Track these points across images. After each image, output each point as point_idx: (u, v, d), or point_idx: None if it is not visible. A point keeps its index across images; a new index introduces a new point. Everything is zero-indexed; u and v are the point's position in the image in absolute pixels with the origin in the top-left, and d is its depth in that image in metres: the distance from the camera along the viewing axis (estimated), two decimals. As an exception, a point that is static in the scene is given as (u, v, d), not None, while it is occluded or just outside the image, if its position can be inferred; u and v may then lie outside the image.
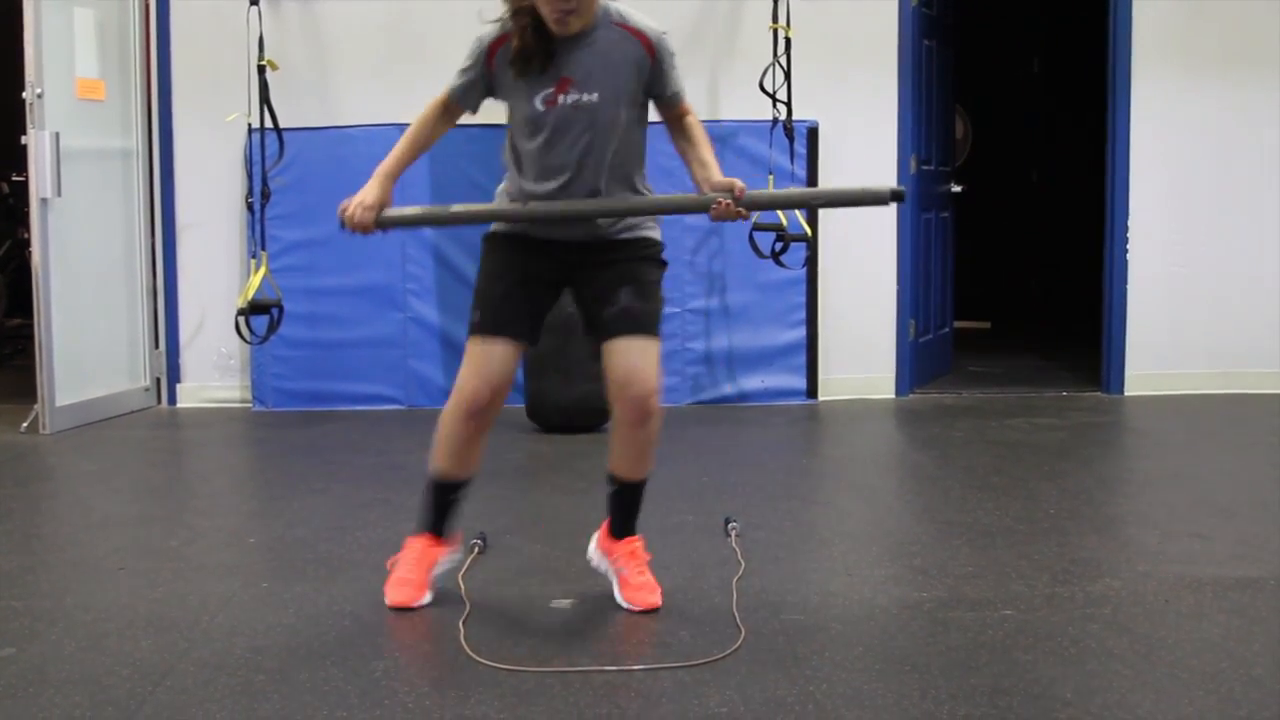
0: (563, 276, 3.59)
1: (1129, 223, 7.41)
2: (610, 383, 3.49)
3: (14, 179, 8.68)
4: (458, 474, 3.66)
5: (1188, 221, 7.44)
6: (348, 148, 7.04)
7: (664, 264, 3.62)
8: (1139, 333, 7.44)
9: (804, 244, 6.79)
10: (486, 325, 3.52)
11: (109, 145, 6.94)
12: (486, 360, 3.50)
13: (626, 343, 3.47)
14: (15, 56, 6.28)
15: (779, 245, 6.59)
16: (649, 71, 3.45)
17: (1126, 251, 7.43)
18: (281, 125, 6.41)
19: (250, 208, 6.66)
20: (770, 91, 6.66)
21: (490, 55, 3.44)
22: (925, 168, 7.65)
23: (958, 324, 8.67)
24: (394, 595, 3.66)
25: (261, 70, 6.35)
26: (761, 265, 6.75)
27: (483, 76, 3.48)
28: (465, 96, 3.53)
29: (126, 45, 7.05)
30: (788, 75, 6.69)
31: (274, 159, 6.47)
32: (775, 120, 6.74)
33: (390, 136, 7.11)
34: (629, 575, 3.66)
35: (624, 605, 3.62)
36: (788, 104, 6.70)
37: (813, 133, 7.10)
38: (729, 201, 3.40)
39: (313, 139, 6.97)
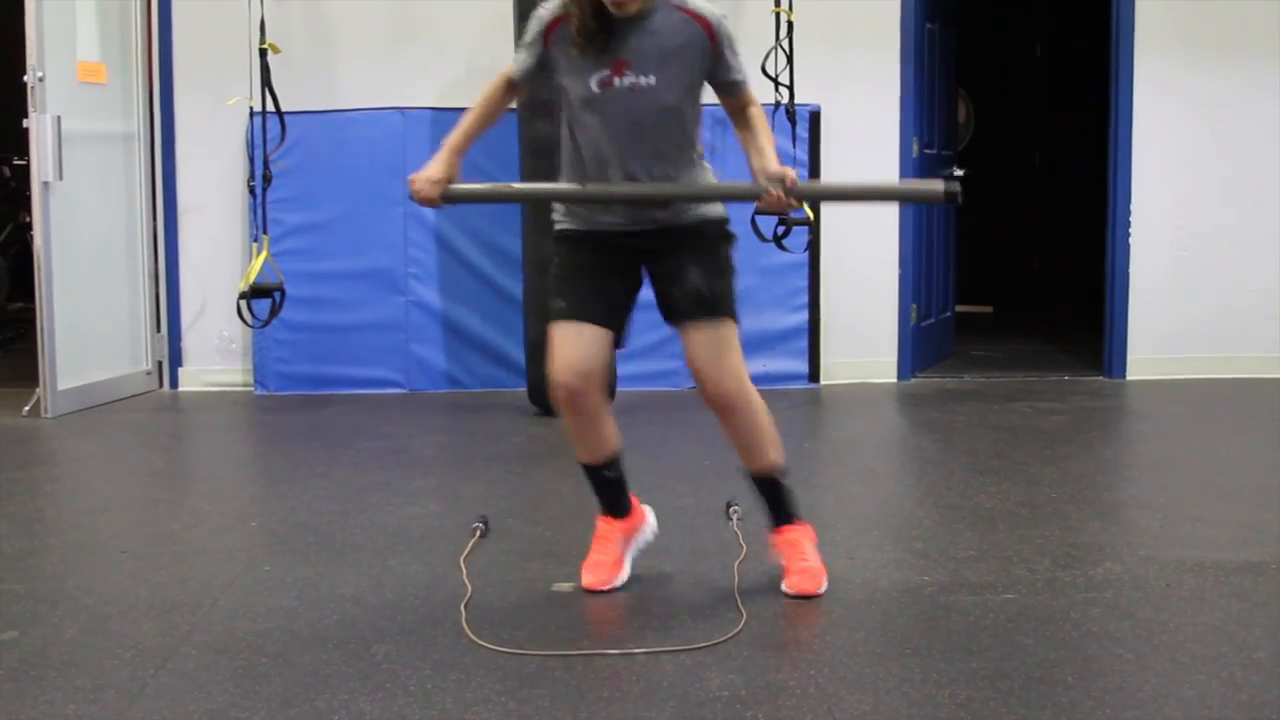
0: (636, 264, 3.56)
1: (1131, 207, 7.40)
2: (691, 373, 3.55)
3: (15, 162, 8.68)
4: (593, 458, 3.64)
5: (1190, 206, 7.43)
6: (349, 131, 7.04)
7: (731, 238, 3.61)
8: (1141, 317, 7.44)
9: (806, 228, 6.77)
10: (568, 311, 3.49)
11: (110, 129, 6.94)
12: (566, 345, 3.47)
13: (696, 334, 3.48)
14: (17, 40, 6.27)
15: (781, 229, 6.57)
16: (709, 56, 3.42)
17: (1128, 236, 7.42)
18: (283, 109, 6.39)
19: (252, 191, 6.65)
20: (772, 75, 6.65)
21: (547, 34, 3.42)
22: (927, 151, 7.64)
23: (960, 308, 8.67)
24: (587, 578, 3.65)
25: (263, 54, 6.34)
26: (763, 249, 6.73)
27: (540, 54, 3.46)
28: (526, 74, 3.51)
29: (128, 28, 7.04)
30: (790, 59, 6.68)
31: (275, 142, 6.46)
32: (777, 104, 6.72)
33: (391, 120, 7.21)
34: (790, 564, 3.63)
35: (784, 591, 3.58)
36: (790, 87, 6.69)
37: (815, 116, 7.09)
38: (779, 192, 3.38)
39: (314, 122, 6.96)
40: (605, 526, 3.73)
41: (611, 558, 3.68)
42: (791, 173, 3.40)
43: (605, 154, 3.43)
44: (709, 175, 3.61)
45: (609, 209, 3.50)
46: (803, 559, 3.64)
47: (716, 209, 3.59)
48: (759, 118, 3.55)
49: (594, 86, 3.38)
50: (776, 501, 3.70)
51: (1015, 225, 11.41)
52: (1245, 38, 7.35)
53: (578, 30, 3.34)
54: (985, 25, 10.47)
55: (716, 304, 3.50)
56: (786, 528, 3.69)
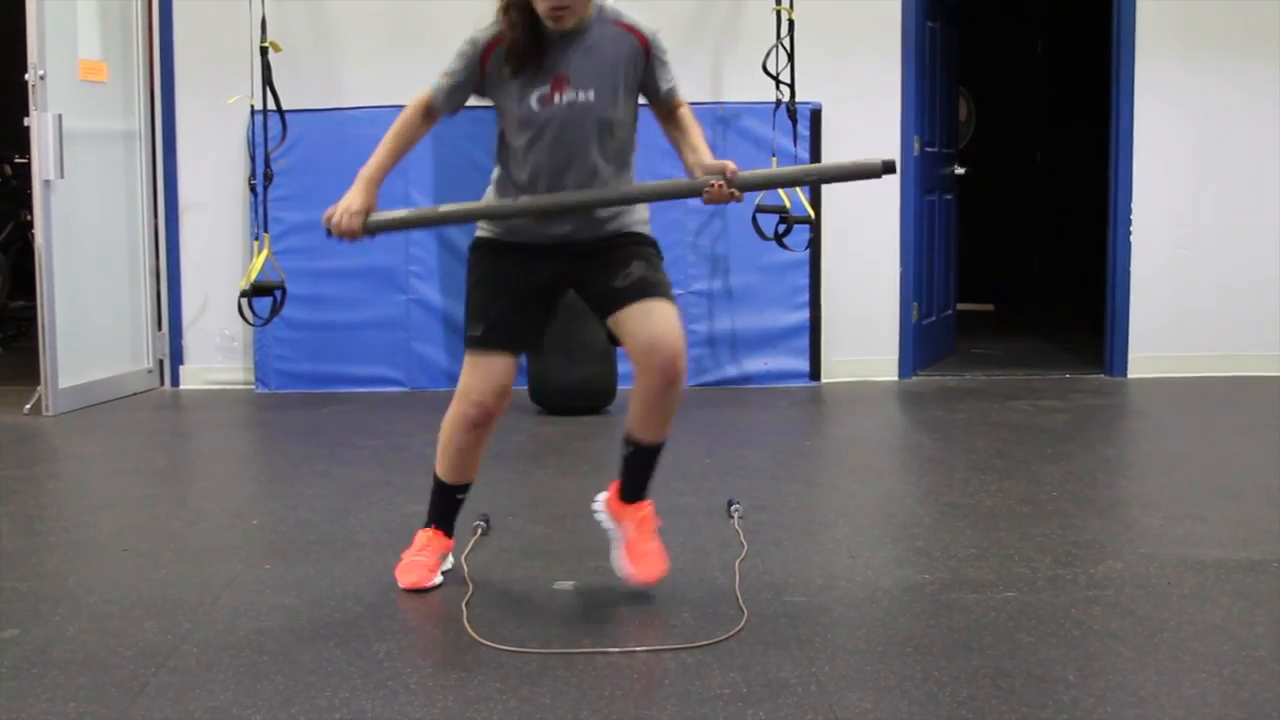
0: (560, 278, 3.54)
1: (1132, 205, 7.40)
2: (634, 350, 3.42)
3: (17, 161, 8.68)
4: (460, 479, 3.68)
5: (1191, 204, 7.43)
6: (350, 129, 7.03)
7: (659, 249, 3.58)
8: (1142, 315, 7.44)
9: (807, 226, 6.77)
10: (489, 341, 3.49)
11: (111, 127, 6.94)
12: (487, 374, 3.49)
13: (645, 306, 3.41)
14: (18, 38, 6.27)
15: (782, 227, 6.58)
16: (643, 68, 3.43)
17: (1130, 234, 7.42)
18: (284, 107, 6.40)
19: (253, 189, 6.65)
20: (773, 73, 6.65)
21: (485, 57, 3.41)
22: (928, 149, 7.64)
23: (961, 306, 8.67)
24: (406, 577, 3.65)
25: (264, 52, 6.34)
26: (764, 247, 6.74)
27: (472, 78, 3.44)
28: (449, 100, 3.48)
29: (129, 27, 7.04)
30: (791, 57, 6.68)
31: (276, 141, 6.46)
32: (778, 102, 6.73)
33: (392, 118, 7.16)
34: (636, 542, 3.60)
35: (625, 572, 3.57)
36: (791, 86, 6.69)
37: (815, 115, 7.09)
38: (721, 183, 3.37)
39: (315, 121, 6.96)
40: (431, 536, 3.72)
41: (432, 561, 3.69)
42: (731, 164, 3.39)
43: (545, 169, 3.41)
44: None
45: (534, 225, 3.47)
46: (649, 538, 3.62)
47: (645, 228, 3.56)
48: (688, 117, 3.55)
49: (534, 104, 3.37)
50: (648, 476, 3.65)
51: (1016, 223, 11.40)
52: (1246, 36, 7.35)
53: (510, 50, 3.33)
54: (986, 23, 10.47)
55: (661, 287, 3.46)
56: (641, 504, 3.65)
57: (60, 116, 6.28)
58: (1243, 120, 7.40)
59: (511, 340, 3.52)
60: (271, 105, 6.37)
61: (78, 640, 3.27)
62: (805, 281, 7.18)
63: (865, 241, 7.33)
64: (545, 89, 3.36)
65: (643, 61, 3.42)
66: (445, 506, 3.72)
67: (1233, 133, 7.41)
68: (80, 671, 3.05)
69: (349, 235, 3.47)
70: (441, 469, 3.66)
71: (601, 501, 3.74)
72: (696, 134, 3.52)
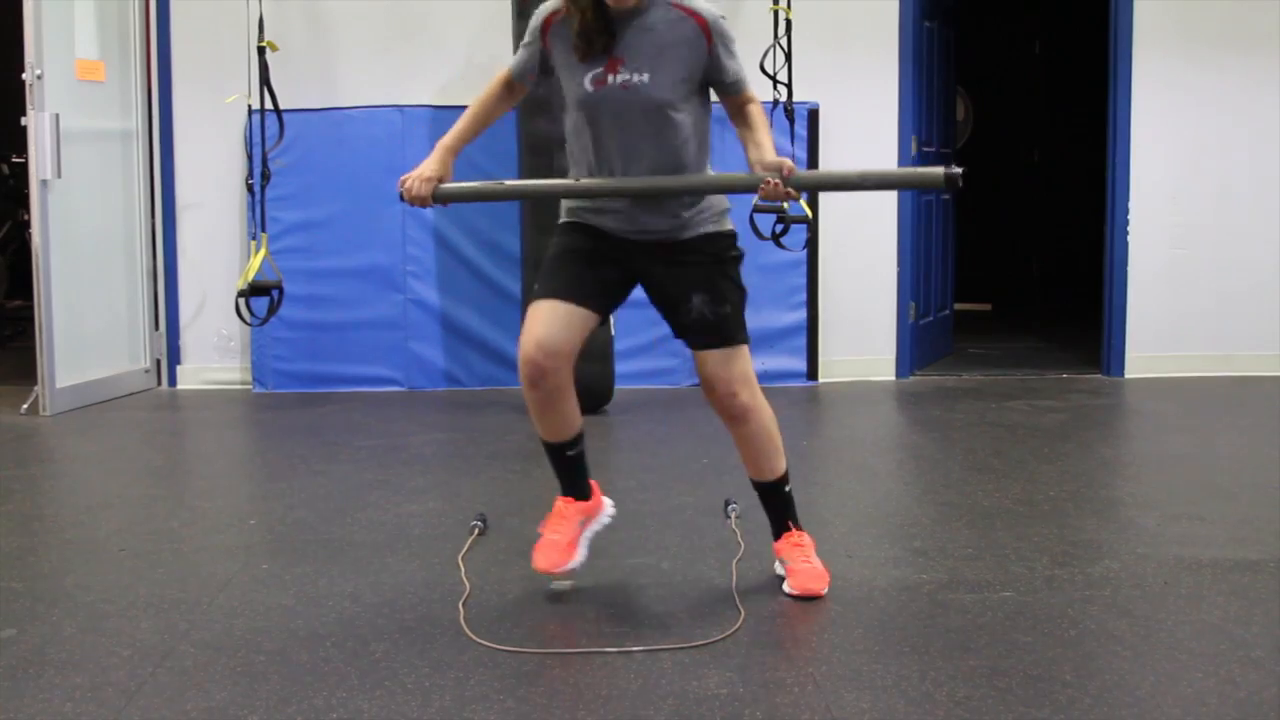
0: (634, 268, 3.54)
1: (1130, 205, 7.41)
2: (703, 388, 3.57)
3: (14, 160, 8.67)
4: (554, 436, 3.62)
5: (1189, 204, 7.43)
6: (348, 129, 7.04)
7: (738, 256, 3.57)
8: (1139, 315, 7.44)
9: (804, 226, 6.77)
10: (541, 290, 3.49)
11: (109, 127, 6.93)
12: (538, 323, 3.44)
13: (705, 355, 3.49)
14: (15, 38, 6.26)
15: (779, 227, 6.56)
16: (704, 54, 3.40)
17: (1127, 234, 7.42)
18: (282, 107, 6.38)
19: (250, 189, 6.64)
20: (771, 73, 6.64)
21: (545, 30, 3.42)
22: (926, 149, 7.64)
23: (958, 306, 8.66)
24: (539, 560, 3.59)
25: (261, 52, 6.32)
26: (762, 247, 6.73)
27: (539, 50, 3.45)
28: (525, 73, 3.51)
29: (126, 26, 7.03)
30: (788, 57, 6.67)
31: (274, 140, 6.44)
32: (776, 102, 6.72)
33: (390, 118, 7.21)
34: (793, 564, 3.62)
35: (787, 592, 3.56)
36: (788, 85, 6.68)
37: (813, 114, 7.08)
38: (777, 181, 3.35)
39: (313, 120, 6.96)
40: (563, 506, 3.69)
41: (567, 538, 3.63)
42: (789, 162, 3.38)
43: (602, 151, 3.43)
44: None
45: (610, 213, 3.48)
46: (806, 560, 3.63)
47: (722, 224, 3.54)
48: (757, 114, 3.53)
49: (588, 84, 3.36)
50: (778, 510, 3.70)
51: (1014, 223, 11.41)
52: (1243, 35, 7.35)
53: (579, 32, 3.33)
54: (984, 23, 10.48)
55: (722, 330, 3.48)
56: (788, 534, 3.68)
57: (57, 116, 6.28)
58: (1240, 120, 7.40)
59: (563, 291, 3.46)
60: (269, 105, 6.36)
61: (74, 640, 3.27)
62: (803, 281, 7.18)
63: (863, 241, 7.33)
64: (599, 69, 3.36)
65: (704, 46, 3.38)
66: (561, 467, 3.68)
67: (1230, 133, 7.41)
68: (77, 671, 3.05)
69: (420, 202, 3.51)
70: (538, 430, 3.63)
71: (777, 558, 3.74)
72: (763, 131, 3.50)
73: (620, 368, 6.62)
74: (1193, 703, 2.83)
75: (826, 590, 3.57)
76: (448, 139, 3.54)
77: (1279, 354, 7.47)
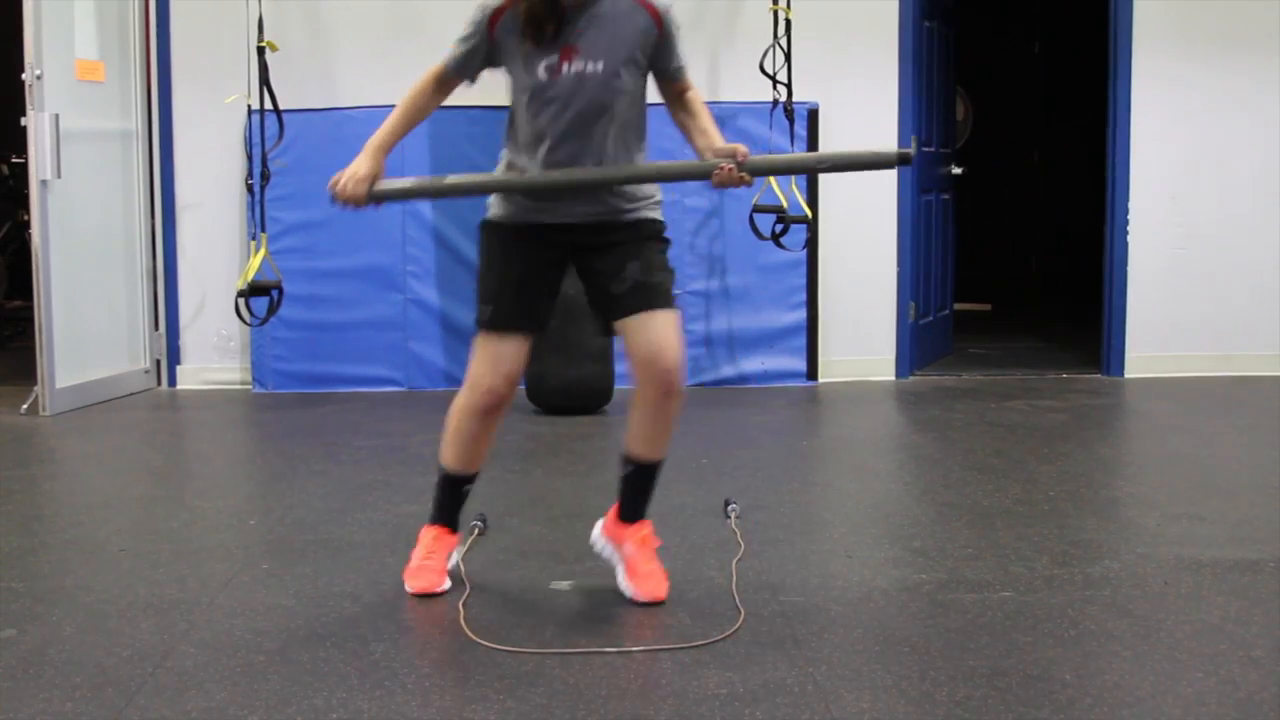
0: (566, 258, 3.54)
1: (1129, 205, 7.41)
2: (632, 360, 3.43)
3: (14, 161, 8.67)
4: (468, 468, 3.65)
5: (1188, 204, 7.43)
6: (348, 129, 7.01)
7: (668, 241, 3.57)
8: (1139, 315, 7.44)
9: (804, 226, 6.77)
10: (499, 321, 3.48)
11: (109, 127, 6.93)
12: (499, 357, 3.47)
13: (645, 318, 3.41)
14: (15, 38, 6.26)
15: (779, 227, 6.57)
16: (654, 43, 3.40)
17: (1127, 233, 7.42)
18: (281, 107, 6.39)
19: (250, 189, 6.65)
20: (770, 73, 6.65)
21: (493, 23, 3.40)
22: (926, 149, 7.64)
23: (958, 306, 8.67)
24: (415, 582, 3.62)
25: (261, 52, 6.33)
26: (762, 247, 6.74)
27: (483, 44, 3.43)
28: (464, 67, 3.49)
29: (126, 27, 7.03)
30: (788, 57, 6.68)
31: (274, 141, 6.45)
32: (775, 102, 6.73)
33: (390, 118, 7.14)
34: (638, 563, 3.58)
35: (628, 594, 3.55)
36: (788, 85, 6.69)
37: (813, 114, 7.08)
38: (731, 166, 3.34)
39: (312, 120, 6.96)
40: (440, 533, 3.70)
41: (439, 564, 3.66)
42: (743, 147, 3.37)
43: (552, 141, 3.39)
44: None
45: (548, 204, 3.46)
46: (650, 559, 3.60)
47: (654, 212, 3.54)
48: (697, 100, 3.53)
49: (541, 74, 3.35)
50: (647, 495, 3.65)
51: (1013, 223, 11.41)
52: (1243, 34, 7.35)
53: (527, 19, 3.30)
54: (983, 23, 10.48)
55: (659, 293, 3.44)
56: (641, 524, 3.65)
57: (57, 116, 6.28)
58: (1240, 119, 7.40)
59: (521, 320, 3.49)
60: (269, 105, 6.37)
61: (74, 640, 3.27)
62: (802, 281, 7.18)
63: (862, 241, 7.33)
64: (554, 59, 3.34)
65: (655, 35, 3.39)
66: (451, 500, 3.69)
67: (1230, 132, 7.41)
68: (77, 671, 3.05)
69: (354, 202, 3.48)
70: (448, 458, 3.63)
71: (598, 530, 3.74)
72: (706, 117, 3.49)
73: (619, 368, 6.61)
74: (1192, 703, 2.83)
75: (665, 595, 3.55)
76: (378, 137, 3.53)
77: (1279, 354, 7.46)
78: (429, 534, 3.71)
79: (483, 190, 3.59)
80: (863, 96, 7.26)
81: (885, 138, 7.27)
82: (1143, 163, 7.38)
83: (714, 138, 3.44)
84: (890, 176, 7.28)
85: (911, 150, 3.47)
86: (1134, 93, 7.34)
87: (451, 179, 3.72)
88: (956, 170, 8.24)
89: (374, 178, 3.48)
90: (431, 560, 3.66)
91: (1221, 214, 7.44)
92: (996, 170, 10.91)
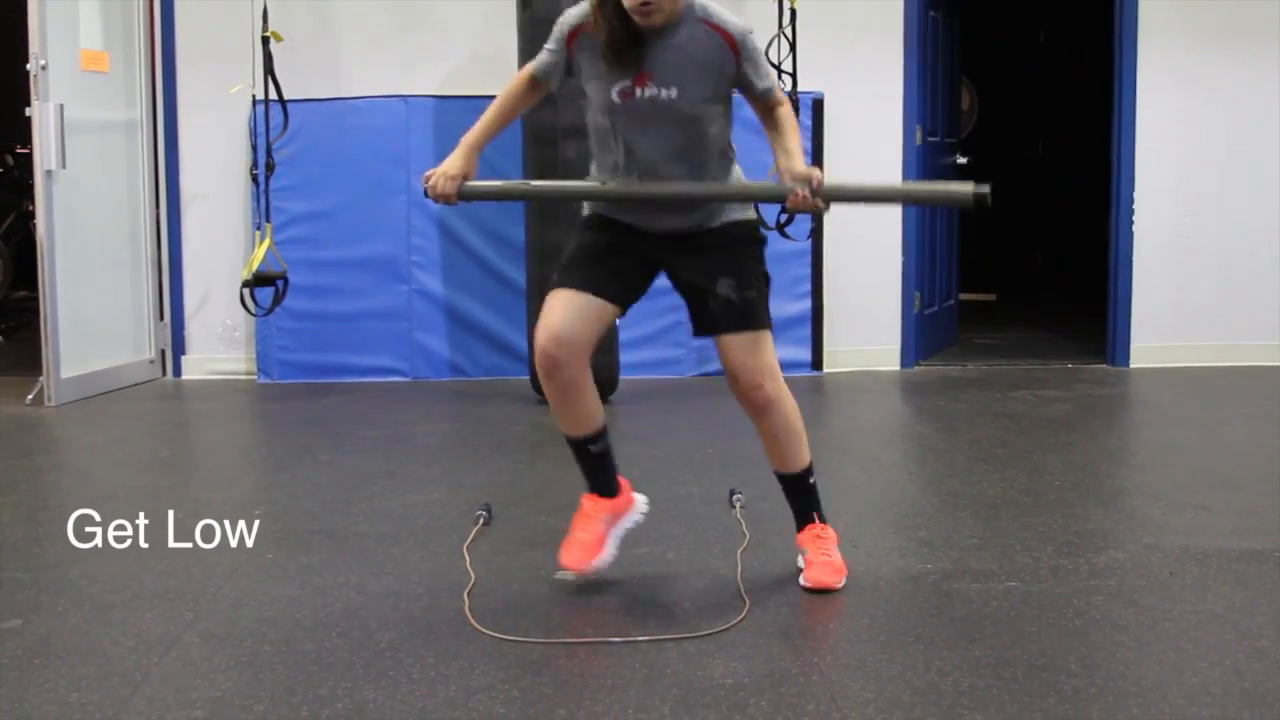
0: (657, 258, 3.54)
1: (1135, 195, 7.40)
2: (727, 378, 3.52)
3: (19, 151, 8.68)
4: (577, 431, 3.58)
5: (1194, 194, 7.42)
6: (352, 119, 7.03)
7: (762, 241, 3.59)
8: (1144, 305, 7.43)
9: (809, 215, 6.75)
10: (559, 281, 3.48)
11: (113, 117, 6.93)
12: (554, 312, 3.43)
13: (730, 339, 3.46)
14: (20, 28, 6.26)
15: (784, 217, 6.56)
16: (733, 69, 3.41)
17: (1132, 223, 7.41)
18: (286, 97, 6.39)
19: (255, 180, 6.64)
20: (776, 63, 6.63)
21: (570, 40, 3.40)
22: (931, 139, 7.63)
23: (963, 296, 8.66)
24: (565, 558, 3.59)
25: (266, 42, 6.33)
26: (768, 236, 6.72)
27: (563, 59, 3.44)
28: (549, 74, 3.48)
29: (130, 17, 7.03)
30: (793, 47, 6.66)
31: (278, 131, 6.45)
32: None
33: (394, 108, 7.20)
34: (812, 556, 3.60)
35: (802, 585, 3.54)
36: (793, 76, 6.67)
37: (818, 104, 7.07)
38: (806, 194, 3.36)
39: (317, 111, 6.95)
40: (590, 504, 3.67)
41: (593, 536, 3.61)
42: (818, 173, 3.38)
43: (626, 157, 3.43)
44: (738, 179, 3.60)
45: (633, 212, 3.49)
46: (825, 553, 3.61)
47: (746, 212, 3.57)
48: (787, 118, 3.52)
49: (614, 96, 3.36)
50: (802, 502, 3.68)
51: (1018, 213, 11.38)
52: (1249, 23, 7.33)
53: (606, 44, 3.32)
54: (989, 12, 10.45)
55: (749, 315, 3.48)
56: (812, 526, 3.66)
57: (62, 107, 6.28)
58: (1246, 109, 7.38)
59: (581, 281, 3.45)
60: (273, 95, 6.37)
61: (80, 630, 3.27)
62: (807, 271, 7.17)
63: (867, 231, 7.31)
64: (627, 83, 3.35)
65: (732, 61, 3.39)
66: (585, 463, 3.65)
67: (1235, 122, 7.40)
68: (82, 662, 3.05)
69: (444, 199, 3.49)
70: (560, 424, 3.60)
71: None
72: (792, 137, 3.49)
73: (625, 357, 6.61)
74: (1198, 692, 2.83)
75: (841, 584, 3.56)
76: (472, 136, 3.51)
77: (1284, 344, 7.47)
78: (583, 503, 3.67)
79: (566, 197, 3.61)
80: (868, 86, 7.25)
81: (890, 128, 7.28)
82: (1148, 153, 7.37)
83: (795, 160, 3.44)
84: (895, 165, 7.28)
85: (987, 191, 3.39)
86: (1139, 83, 7.33)
87: (536, 183, 3.76)
88: (962, 160, 8.23)
89: (466, 175, 3.49)
90: (585, 533, 3.61)
91: (1226, 204, 7.43)
92: (1002, 160, 10.87)
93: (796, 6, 6.66)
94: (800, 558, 3.66)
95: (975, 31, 9.41)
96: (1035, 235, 11.52)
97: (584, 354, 3.44)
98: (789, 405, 3.55)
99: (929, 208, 7.62)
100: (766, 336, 3.51)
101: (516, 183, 3.86)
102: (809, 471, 3.66)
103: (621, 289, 3.52)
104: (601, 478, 3.67)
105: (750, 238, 3.57)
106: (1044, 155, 11.53)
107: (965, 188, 3.43)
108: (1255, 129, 7.38)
